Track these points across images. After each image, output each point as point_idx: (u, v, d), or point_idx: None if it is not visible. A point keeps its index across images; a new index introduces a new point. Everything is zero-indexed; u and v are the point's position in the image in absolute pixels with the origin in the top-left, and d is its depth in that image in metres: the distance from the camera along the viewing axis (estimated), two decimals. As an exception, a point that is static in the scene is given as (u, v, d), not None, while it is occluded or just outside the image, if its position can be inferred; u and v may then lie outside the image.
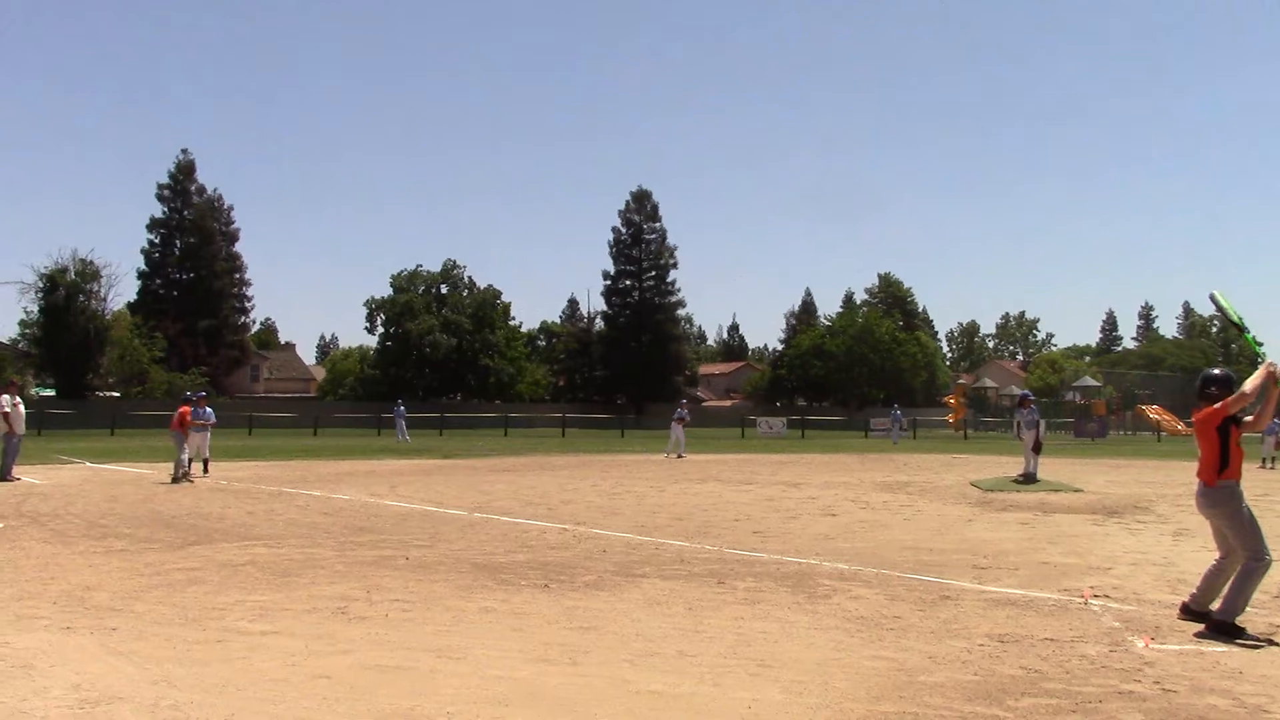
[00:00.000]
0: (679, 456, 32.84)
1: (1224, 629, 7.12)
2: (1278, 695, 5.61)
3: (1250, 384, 7.46)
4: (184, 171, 74.31)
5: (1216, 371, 7.74)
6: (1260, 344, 8.01)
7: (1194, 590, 7.71)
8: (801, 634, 7.11)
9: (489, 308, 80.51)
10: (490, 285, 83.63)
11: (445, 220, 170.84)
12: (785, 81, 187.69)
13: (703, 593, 8.69)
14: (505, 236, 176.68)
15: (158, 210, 73.74)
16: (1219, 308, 8.11)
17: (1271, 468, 28.94)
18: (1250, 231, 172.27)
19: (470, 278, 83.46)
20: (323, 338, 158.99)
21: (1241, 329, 8.04)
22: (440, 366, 75.77)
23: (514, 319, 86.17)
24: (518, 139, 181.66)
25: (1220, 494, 7.39)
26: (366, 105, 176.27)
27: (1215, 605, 7.33)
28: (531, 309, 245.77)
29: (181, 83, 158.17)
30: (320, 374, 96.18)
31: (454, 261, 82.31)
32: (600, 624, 7.38)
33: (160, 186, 73.63)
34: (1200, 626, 7.31)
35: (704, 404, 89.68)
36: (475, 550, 11.18)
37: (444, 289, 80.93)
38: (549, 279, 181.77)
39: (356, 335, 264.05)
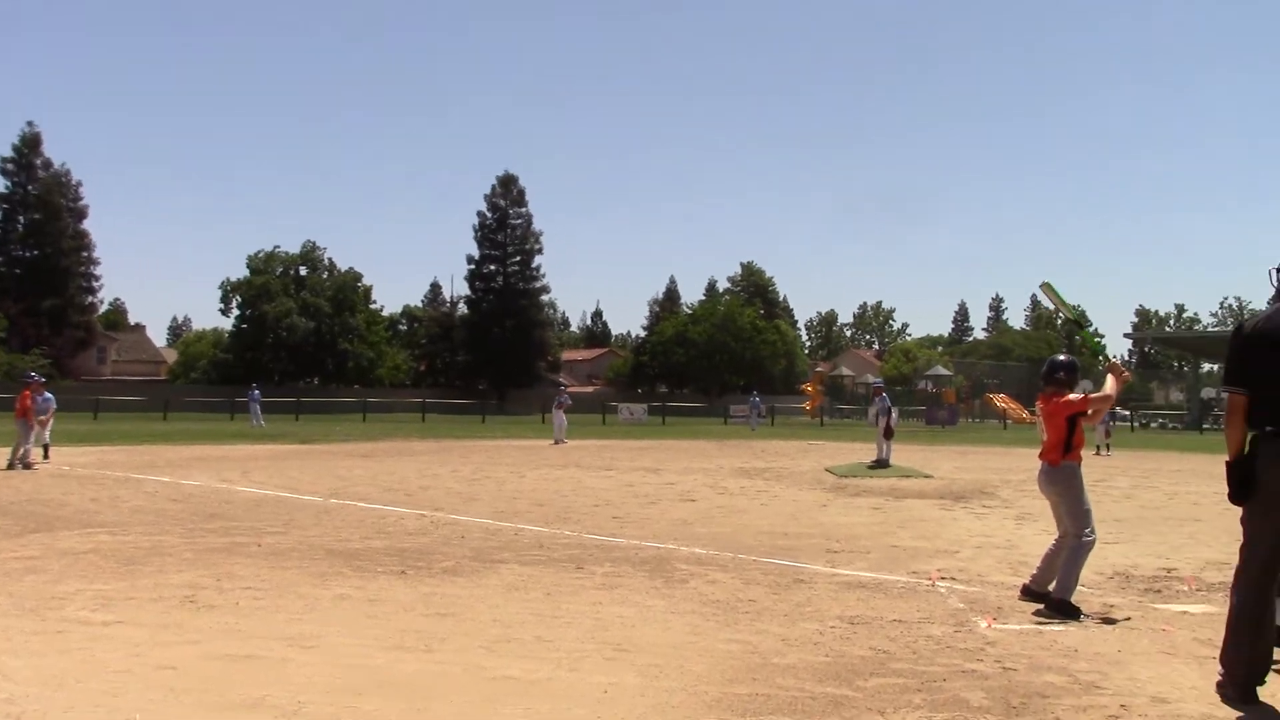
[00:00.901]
0: (558, 442, 32.97)
1: (1061, 608, 7.41)
2: (1110, 672, 5.87)
3: (1110, 389, 7.79)
4: (29, 145, 71.20)
5: (1063, 358, 8.07)
6: (1100, 338, 8.34)
7: (1034, 571, 8.02)
8: (658, 618, 7.17)
9: (349, 291, 79.13)
10: (351, 268, 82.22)
11: (305, 201, 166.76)
12: (651, 67, 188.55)
13: (561, 578, 8.70)
14: (367, 219, 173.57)
15: (0, 184, 70.60)
16: (1051, 299, 8.41)
17: (1105, 454, 30.21)
18: (1091, 226, 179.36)
19: (330, 260, 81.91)
20: (175, 319, 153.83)
21: (1080, 323, 8.35)
22: (298, 350, 74.18)
23: (375, 302, 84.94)
24: (381, 120, 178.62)
25: (1062, 474, 7.71)
26: (223, 79, 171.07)
27: (1052, 586, 7.63)
28: (393, 292, 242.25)
29: (27, 51, 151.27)
30: (171, 357, 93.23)
31: (313, 243, 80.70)
32: (457, 610, 7.33)
33: (3, 160, 70.39)
34: (1040, 606, 7.60)
35: (566, 389, 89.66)
36: (331, 536, 10.99)
37: (303, 271, 79.21)
38: (412, 262, 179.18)
39: (210, 317, 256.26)
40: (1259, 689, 5.33)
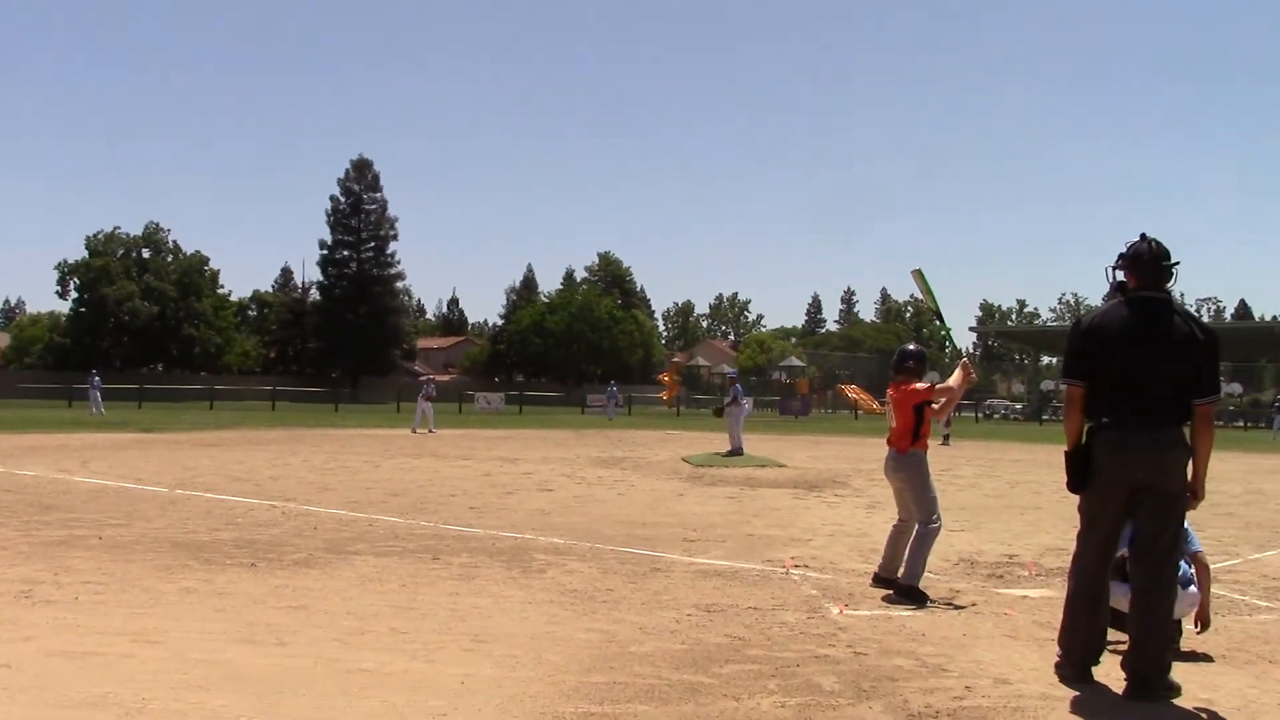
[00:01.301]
0: (430, 431, 32.68)
1: (909, 594, 7.62)
2: (956, 655, 6.06)
3: (955, 382, 8.03)
4: None
5: (912, 347, 8.28)
6: (948, 329, 8.59)
7: (882, 559, 8.22)
8: (516, 608, 7.14)
9: (195, 274, 76.84)
10: (198, 251, 79.83)
11: (148, 181, 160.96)
12: (512, 51, 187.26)
13: (417, 569, 8.60)
14: (214, 200, 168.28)
15: None
16: (920, 286, 8.61)
17: (947, 444, 31.11)
18: (937, 223, 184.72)
19: (175, 242, 79.43)
20: (7, 303, 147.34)
21: (938, 315, 8.58)
22: (141, 335, 71.75)
23: (223, 287, 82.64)
24: (229, 97, 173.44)
25: (908, 461, 7.92)
26: (60, 46, 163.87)
27: (900, 572, 7.84)
28: (242, 277, 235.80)
29: None
30: (4, 341, 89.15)
31: (157, 225, 78.11)
32: (310, 603, 7.17)
33: None
34: (889, 592, 7.80)
35: (422, 378, 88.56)
36: (176, 528, 10.65)
37: (145, 253, 76.56)
38: (262, 246, 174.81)
39: (46, 301, 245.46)
40: (1094, 669, 5.58)
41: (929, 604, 7.50)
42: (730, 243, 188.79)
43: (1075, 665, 5.59)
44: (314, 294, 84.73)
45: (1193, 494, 5.50)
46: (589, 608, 7.19)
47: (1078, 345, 5.65)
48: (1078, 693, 5.36)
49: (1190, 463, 5.45)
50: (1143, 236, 5.60)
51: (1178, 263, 5.59)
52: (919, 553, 7.74)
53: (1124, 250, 5.61)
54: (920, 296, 8.82)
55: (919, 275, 8.50)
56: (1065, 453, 5.67)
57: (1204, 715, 5.04)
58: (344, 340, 78.14)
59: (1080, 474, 5.58)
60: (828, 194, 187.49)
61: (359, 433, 32.55)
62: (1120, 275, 5.64)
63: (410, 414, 33.75)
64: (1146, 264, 5.53)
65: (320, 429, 34.21)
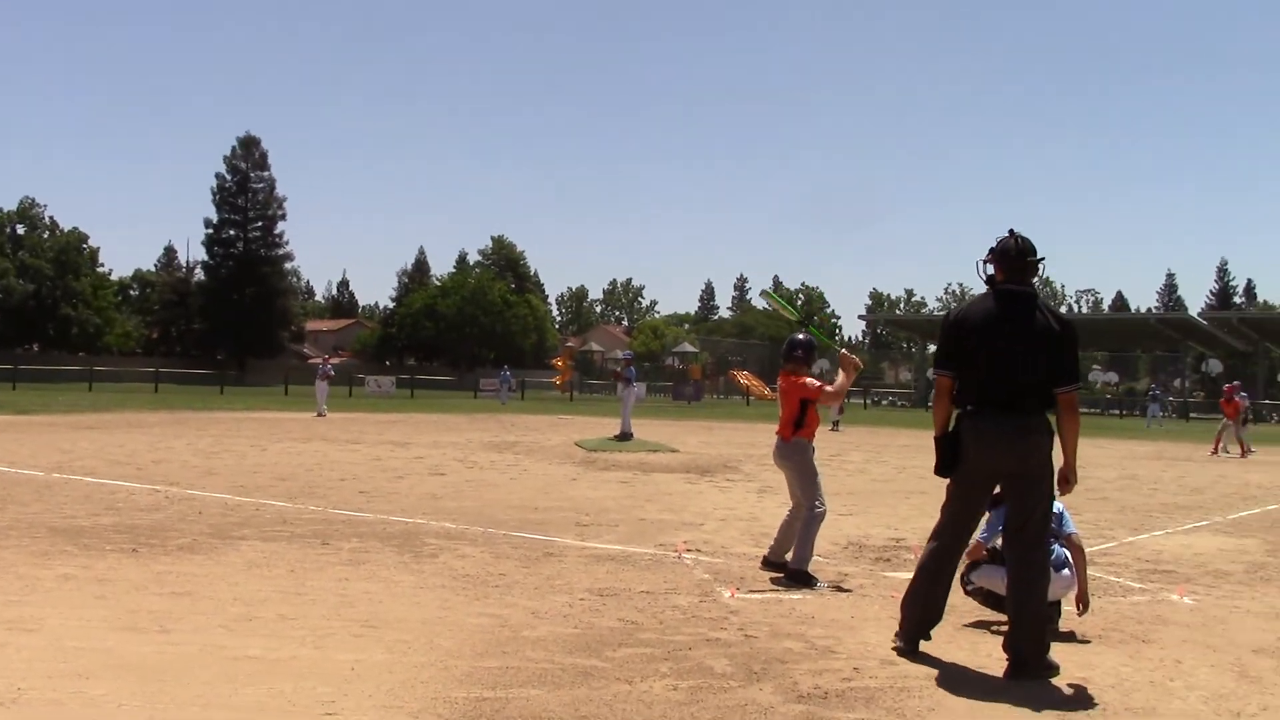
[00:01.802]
0: (320, 415, 32.40)
1: (798, 577, 7.74)
2: (844, 637, 6.17)
3: (839, 385, 8.11)
4: None
5: (801, 337, 8.36)
6: (824, 332, 8.62)
7: (772, 543, 8.31)
8: (407, 593, 7.07)
9: (73, 252, 74.57)
10: (75, 228, 77.43)
11: (22, 155, 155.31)
12: (401, 26, 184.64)
13: (306, 554, 8.46)
14: (93, 177, 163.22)
15: None
16: (772, 305, 8.69)
17: (837, 430, 31.64)
18: (826, 214, 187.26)
19: (52, 218, 77.00)
20: None
21: (804, 323, 8.66)
22: (15, 314, 69.39)
23: (102, 265, 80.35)
24: (110, 68, 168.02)
25: (793, 448, 8.03)
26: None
27: (789, 556, 7.94)
28: (123, 256, 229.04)
29: None
30: None
31: (32, 200, 75.76)
32: (194, 589, 7.01)
33: None
34: (779, 575, 7.90)
35: (310, 360, 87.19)
36: (53, 513, 10.32)
37: (20, 229, 73.99)
38: (144, 224, 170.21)
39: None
40: (923, 643, 5.86)
41: (818, 587, 7.62)
42: (625, 228, 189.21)
43: (908, 635, 5.84)
44: (199, 274, 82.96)
45: (1064, 479, 5.69)
46: (481, 592, 7.16)
47: (946, 337, 5.90)
48: (962, 673, 5.50)
49: (1054, 448, 5.65)
50: (1010, 233, 5.85)
51: (1042, 258, 5.82)
52: (806, 538, 7.85)
53: (993, 245, 5.82)
54: (780, 311, 8.89)
55: (768, 295, 8.62)
56: (935, 439, 5.86)
57: (1080, 693, 5.21)
58: (230, 322, 76.64)
59: (948, 460, 5.78)
60: (720, 180, 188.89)
61: (246, 416, 31.93)
62: (990, 269, 5.83)
63: (301, 398, 33.13)
64: (1012, 259, 5.75)
65: (205, 412, 33.45)
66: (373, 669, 5.22)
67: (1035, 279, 5.85)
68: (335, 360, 36.41)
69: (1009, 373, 5.59)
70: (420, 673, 5.17)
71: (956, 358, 5.78)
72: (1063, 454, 5.68)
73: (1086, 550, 6.87)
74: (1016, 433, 5.58)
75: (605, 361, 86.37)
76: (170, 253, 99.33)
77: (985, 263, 5.84)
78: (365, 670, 5.19)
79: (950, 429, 5.80)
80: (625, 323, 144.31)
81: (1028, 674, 5.38)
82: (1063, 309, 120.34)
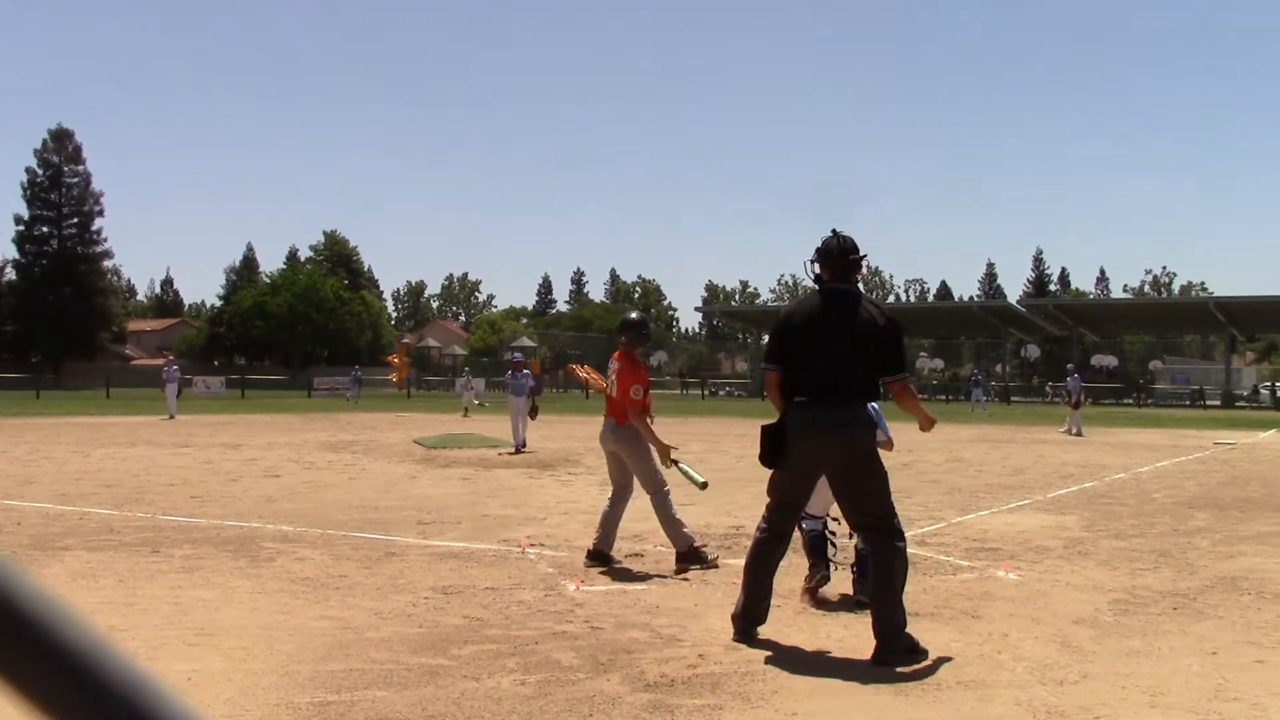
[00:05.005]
0: (170, 418, 31.38)
1: (690, 557, 7.96)
2: (689, 625, 6.27)
3: (647, 434, 8.11)
4: None
5: (634, 316, 8.60)
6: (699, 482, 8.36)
7: (595, 536, 8.33)
8: (244, 599, 6.90)
9: None
10: None
11: None
12: (230, 10, 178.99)
13: (135, 563, 8.17)
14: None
15: None
16: (682, 474, 8.44)
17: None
18: (662, 207, 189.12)
19: None
20: None
21: (703, 486, 8.47)
22: None
23: (-97, 264, 75.80)
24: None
25: (627, 432, 8.15)
26: None
27: (672, 544, 8.02)
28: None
29: None
30: None
31: None
32: (15, 603, 6.69)
33: None
34: (623, 566, 7.98)
35: (133, 362, 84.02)
36: None
37: None
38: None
39: None
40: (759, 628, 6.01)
41: (711, 561, 7.90)
42: (461, 222, 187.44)
43: (741, 622, 5.98)
44: (9, 273, 79.10)
45: (928, 425, 6.34)
46: (322, 595, 7.03)
47: (774, 333, 6.15)
48: (803, 655, 5.65)
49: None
50: (833, 232, 6.11)
51: (864, 255, 6.11)
52: (670, 520, 7.98)
53: (819, 245, 6.06)
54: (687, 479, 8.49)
55: (676, 466, 8.29)
56: (761, 429, 6.05)
57: (915, 669, 5.40)
58: (45, 322, 73.45)
59: (774, 450, 5.95)
60: (554, 173, 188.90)
61: (65, 421, 30.58)
62: (818, 268, 6.07)
63: (122, 400, 31.76)
64: (835, 258, 6.01)
65: (20, 418, 31.85)
66: (210, 678, 5.08)
67: (860, 274, 6.14)
68: (173, 361, 35.16)
69: (832, 367, 5.82)
70: (260, 679, 5.06)
71: (783, 353, 6.00)
72: (912, 411, 6.18)
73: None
74: (838, 426, 5.79)
75: (442, 357, 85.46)
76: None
77: (813, 263, 6.07)
78: (202, 679, 5.05)
79: (776, 420, 5.98)
80: (463, 318, 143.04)
81: (890, 658, 5.53)
82: (890, 298, 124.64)
